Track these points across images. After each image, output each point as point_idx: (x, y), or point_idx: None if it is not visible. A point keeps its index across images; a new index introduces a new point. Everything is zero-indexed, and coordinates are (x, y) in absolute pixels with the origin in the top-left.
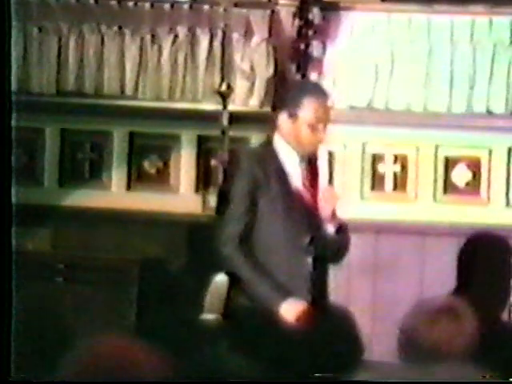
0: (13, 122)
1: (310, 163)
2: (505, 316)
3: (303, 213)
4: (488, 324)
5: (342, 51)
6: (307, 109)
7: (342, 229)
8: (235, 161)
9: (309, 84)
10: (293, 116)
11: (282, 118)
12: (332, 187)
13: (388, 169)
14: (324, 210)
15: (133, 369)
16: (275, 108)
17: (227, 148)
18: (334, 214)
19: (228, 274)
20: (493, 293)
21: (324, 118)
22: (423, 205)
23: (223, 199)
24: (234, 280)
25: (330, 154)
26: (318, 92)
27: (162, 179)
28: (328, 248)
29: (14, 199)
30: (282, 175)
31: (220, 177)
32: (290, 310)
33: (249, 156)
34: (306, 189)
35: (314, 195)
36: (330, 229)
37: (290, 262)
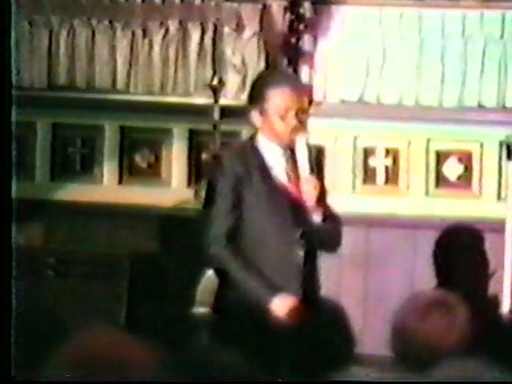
0: (13, 117)
1: (294, 155)
2: (492, 307)
3: (290, 205)
4: (476, 316)
5: (333, 45)
6: (273, 100)
7: (329, 217)
8: (217, 159)
9: (271, 75)
10: (262, 111)
11: (254, 116)
12: (311, 176)
13: (379, 162)
14: (307, 199)
15: (123, 362)
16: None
17: (219, 142)
18: (318, 203)
19: (217, 271)
20: (471, 284)
21: (293, 105)
22: (415, 198)
23: (211, 193)
24: (224, 277)
25: (309, 144)
26: (281, 81)
27: (153, 173)
28: (318, 238)
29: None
30: (264, 170)
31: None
32: (281, 305)
33: (230, 153)
34: (290, 181)
35: (300, 186)
36: (317, 218)
37: (281, 257)
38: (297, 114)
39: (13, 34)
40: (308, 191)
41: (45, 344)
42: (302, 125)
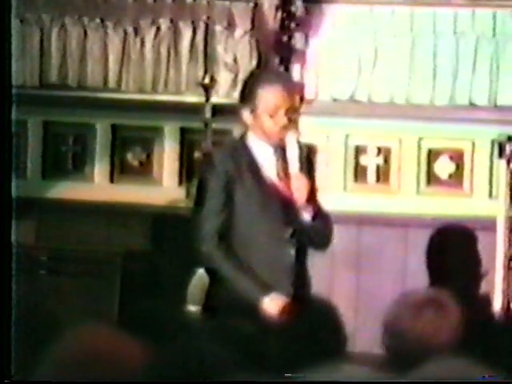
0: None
1: (285, 153)
2: (484, 305)
3: (280, 204)
4: (468, 314)
5: (324, 43)
6: (263, 99)
7: (318, 215)
8: (208, 158)
9: (262, 73)
10: (253, 110)
11: (245, 115)
12: (301, 174)
13: (371, 161)
14: (297, 197)
15: (114, 360)
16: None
17: (210, 140)
18: (308, 201)
19: (208, 270)
20: (463, 282)
21: (283, 104)
22: (406, 197)
23: (202, 191)
24: (215, 275)
25: (300, 142)
26: (272, 80)
27: (145, 171)
28: (308, 236)
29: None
30: (255, 168)
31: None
32: (272, 304)
33: (221, 152)
34: (281, 180)
35: (290, 185)
36: (306, 216)
37: (272, 255)
38: (287, 113)
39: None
40: (298, 189)
41: (37, 342)
42: (291, 123)
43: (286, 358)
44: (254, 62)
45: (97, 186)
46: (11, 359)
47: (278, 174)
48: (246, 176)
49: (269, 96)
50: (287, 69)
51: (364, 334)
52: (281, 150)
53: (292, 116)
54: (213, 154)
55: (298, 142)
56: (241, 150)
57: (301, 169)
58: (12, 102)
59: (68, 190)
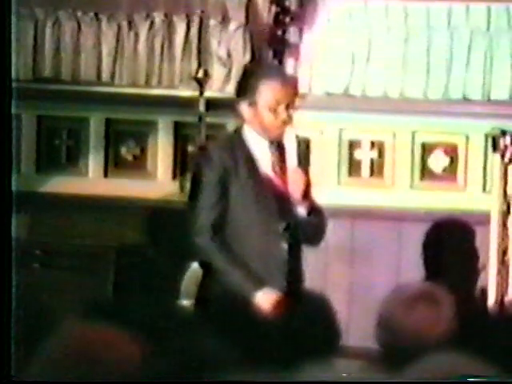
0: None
1: (280, 148)
2: (478, 299)
3: (275, 198)
4: (462, 308)
5: (318, 38)
6: (264, 93)
7: (314, 210)
8: (204, 151)
9: (262, 67)
10: (252, 104)
11: (243, 108)
12: (299, 169)
13: (365, 155)
14: (293, 192)
15: (108, 354)
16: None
17: (204, 134)
18: (304, 196)
19: (202, 263)
20: (461, 277)
21: (284, 98)
22: (400, 191)
23: (196, 184)
24: (209, 269)
25: (298, 136)
26: (273, 74)
27: (138, 165)
28: (302, 231)
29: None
30: (251, 162)
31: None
32: (265, 299)
33: (216, 146)
34: (276, 174)
35: (285, 180)
36: (302, 211)
37: (265, 249)
38: (287, 108)
39: None
40: (295, 183)
41: (31, 336)
42: (290, 118)
43: (279, 353)
44: (248, 56)
45: (91, 179)
46: (11, 354)
47: (274, 168)
48: (242, 169)
49: (270, 91)
50: (281, 63)
51: (358, 328)
52: (276, 144)
53: (290, 111)
54: (209, 147)
55: (297, 137)
56: (237, 144)
57: (299, 163)
58: (12, 98)
59: (62, 184)
